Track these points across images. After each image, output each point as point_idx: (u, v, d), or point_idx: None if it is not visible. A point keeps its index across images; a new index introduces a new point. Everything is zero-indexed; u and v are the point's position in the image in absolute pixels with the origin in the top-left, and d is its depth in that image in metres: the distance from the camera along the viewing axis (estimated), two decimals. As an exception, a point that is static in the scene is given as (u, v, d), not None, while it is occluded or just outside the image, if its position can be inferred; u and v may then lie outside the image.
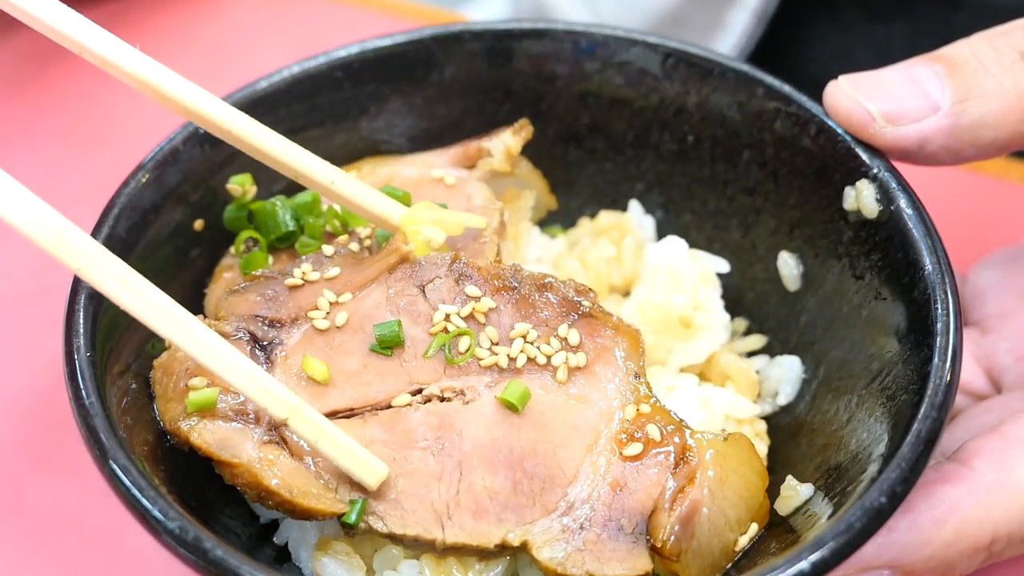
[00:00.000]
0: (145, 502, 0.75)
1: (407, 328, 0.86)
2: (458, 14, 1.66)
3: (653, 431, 0.83)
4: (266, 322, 0.87)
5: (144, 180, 0.91)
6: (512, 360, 0.86)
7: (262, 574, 0.73)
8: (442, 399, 0.85)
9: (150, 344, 0.89)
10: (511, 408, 0.84)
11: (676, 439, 0.83)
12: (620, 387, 0.86)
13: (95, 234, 0.87)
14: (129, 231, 0.89)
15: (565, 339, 0.87)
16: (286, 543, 0.90)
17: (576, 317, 0.87)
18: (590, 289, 0.88)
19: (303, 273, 0.89)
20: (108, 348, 0.84)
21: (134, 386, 0.87)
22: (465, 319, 0.87)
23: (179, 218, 0.94)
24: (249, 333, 0.87)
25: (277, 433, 0.83)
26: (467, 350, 0.86)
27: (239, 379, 0.79)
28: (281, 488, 0.80)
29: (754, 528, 0.84)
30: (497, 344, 0.86)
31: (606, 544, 0.81)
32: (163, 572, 0.96)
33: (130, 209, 0.90)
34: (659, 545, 0.80)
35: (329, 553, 0.85)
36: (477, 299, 0.88)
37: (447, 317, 0.87)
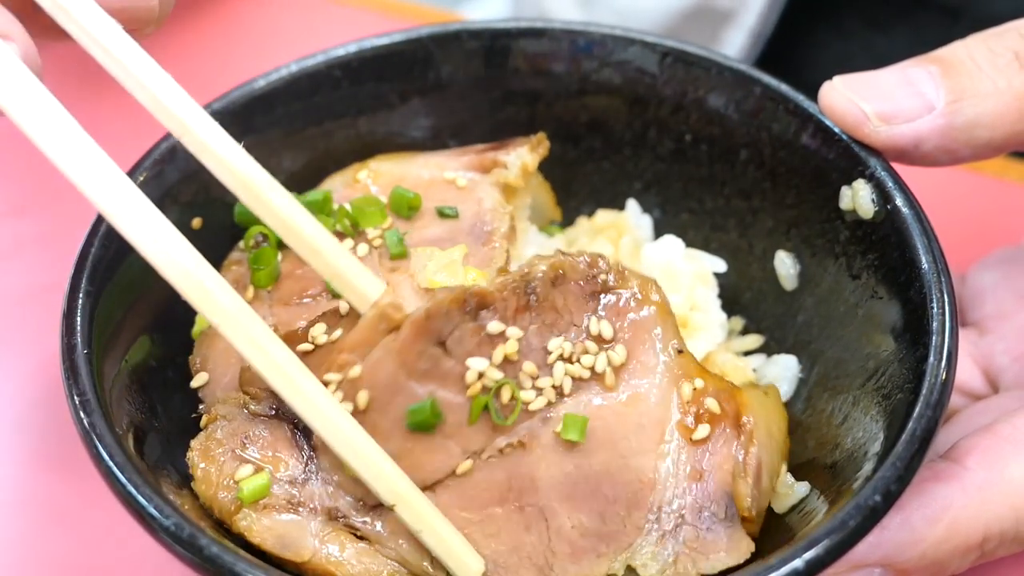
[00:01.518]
0: (141, 499, 0.75)
1: (439, 395, 0.81)
2: (456, 14, 1.66)
3: (713, 405, 0.82)
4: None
5: (142, 179, 0.91)
6: (559, 389, 0.82)
7: (258, 571, 0.73)
8: (502, 453, 0.81)
9: (149, 339, 0.90)
10: (575, 439, 0.81)
11: (730, 405, 0.82)
12: (669, 368, 0.83)
13: (93, 232, 0.87)
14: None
15: (599, 336, 0.83)
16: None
17: (600, 301, 0.84)
18: (600, 256, 0.85)
19: (314, 337, 0.84)
20: (106, 346, 0.85)
21: (132, 384, 0.87)
22: (499, 367, 0.81)
23: (177, 217, 0.93)
24: (288, 418, 0.82)
25: (342, 522, 0.81)
26: (512, 402, 0.81)
27: (352, 458, 0.78)
28: None
29: (784, 468, 0.85)
30: (538, 377, 0.82)
31: (706, 538, 0.80)
32: (161, 571, 0.96)
33: (128, 207, 0.90)
34: (745, 515, 0.80)
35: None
36: (503, 337, 0.81)
37: (480, 376, 0.80)
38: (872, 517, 0.74)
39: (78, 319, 0.83)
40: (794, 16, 1.53)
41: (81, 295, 0.84)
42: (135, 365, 0.88)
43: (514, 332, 0.82)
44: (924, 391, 0.79)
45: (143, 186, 0.91)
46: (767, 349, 1.01)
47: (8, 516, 1.00)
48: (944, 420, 0.81)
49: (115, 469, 0.76)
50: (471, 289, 0.81)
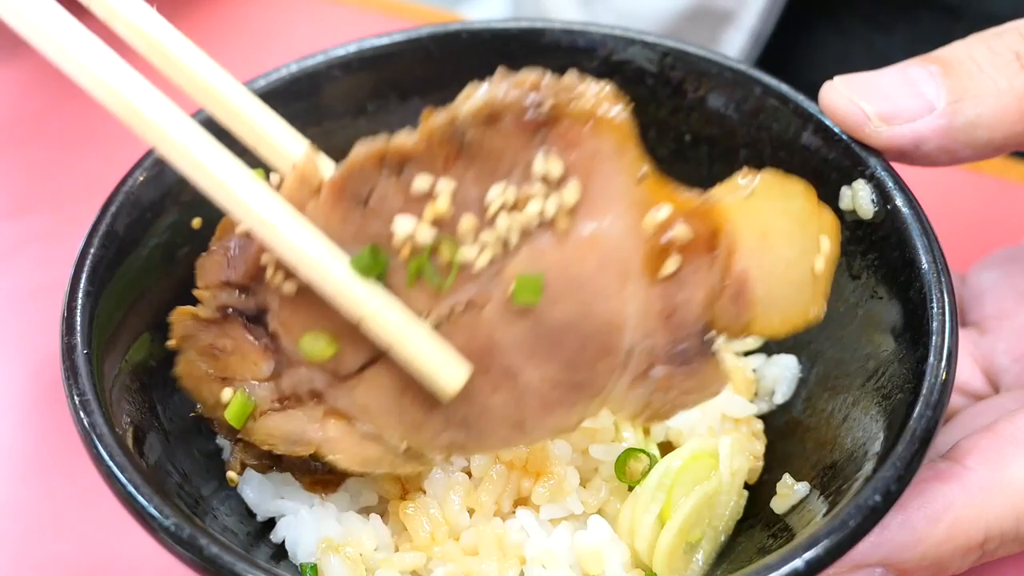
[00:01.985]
0: (141, 499, 0.75)
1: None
2: (456, 13, 1.66)
3: (683, 232, 0.75)
4: (237, 288, 0.79)
5: (143, 178, 0.91)
6: (505, 242, 0.75)
7: (258, 571, 0.73)
8: (451, 316, 0.77)
9: (149, 338, 0.90)
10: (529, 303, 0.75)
11: (704, 225, 0.76)
12: (631, 198, 0.76)
13: (93, 232, 0.87)
14: (127, 228, 0.89)
15: (546, 176, 0.75)
16: (283, 541, 0.90)
17: (544, 133, 0.75)
18: (540, 79, 0.76)
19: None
20: (106, 346, 0.85)
21: (132, 384, 0.87)
22: (433, 224, 0.75)
23: (177, 216, 0.94)
24: (236, 311, 0.80)
25: (328, 404, 0.79)
26: (450, 264, 0.75)
27: (315, 275, 0.74)
28: (347, 465, 0.79)
29: (826, 243, 0.79)
30: (480, 232, 0.75)
31: (680, 375, 0.77)
32: (161, 571, 0.96)
33: (128, 207, 0.90)
34: (722, 334, 0.77)
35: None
36: (432, 195, 0.75)
37: (411, 236, 0.75)
38: (872, 517, 0.74)
39: (78, 319, 0.83)
40: (794, 16, 1.53)
41: (81, 295, 0.84)
42: (135, 365, 0.88)
43: (446, 185, 0.75)
44: (924, 391, 0.78)
45: (143, 186, 0.91)
46: (767, 349, 1.01)
47: (8, 516, 1.00)
48: (944, 420, 0.81)
49: (115, 469, 0.76)
50: (390, 145, 0.75)
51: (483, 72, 1.04)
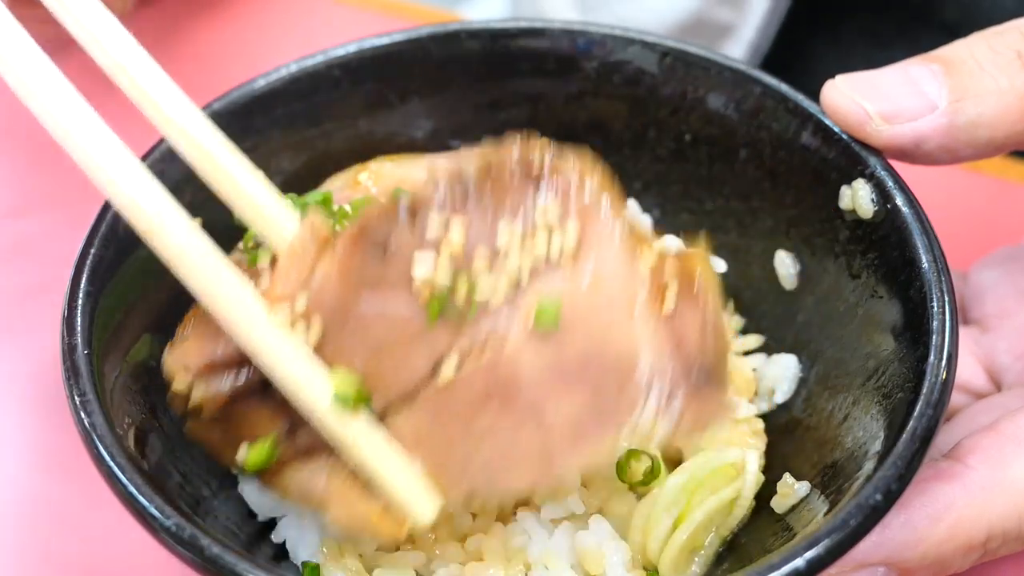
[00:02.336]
0: (142, 499, 0.75)
1: (390, 303, 0.78)
2: (456, 13, 1.66)
3: (671, 271, 0.80)
4: (230, 366, 0.79)
5: (143, 179, 0.91)
6: (517, 277, 0.78)
7: (259, 571, 0.73)
8: (472, 352, 0.77)
9: (150, 339, 0.90)
10: (550, 328, 0.77)
11: (682, 269, 0.81)
12: (622, 244, 0.80)
13: (93, 232, 0.87)
14: (127, 228, 0.89)
15: (546, 216, 0.79)
16: (284, 541, 0.90)
17: (540, 184, 0.81)
18: (533, 146, 0.83)
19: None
20: (106, 346, 0.85)
21: (133, 384, 0.87)
22: (449, 260, 0.77)
23: (177, 216, 0.94)
24: (241, 393, 0.80)
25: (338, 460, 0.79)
26: (468, 297, 0.77)
27: (306, 407, 0.76)
28: (336, 521, 0.79)
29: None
30: (492, 267, 0.78)
31: (702, 395, 0.79)
32: (163, 572, 0.96)
33: (129, 207, 0.90)
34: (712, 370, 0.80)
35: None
36: (447, 228, 0.78)
37: (431, 272, 0.77)
38: (873, 516, 0.74)
39: (78, 319, 0.83)
40: (793, 30, 1.53)
41: (81, 295, 0.84)
42: (136, 365, 0.88)
43: (458, 222, 0.78)
44: (925, 390, 0.79)
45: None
46: (767, 349, 1.01)
47: (9, 517, 1.00)
48: (946, 419, 0.81)
49: (116, 470, 0.76)
50: (402, 192, 0.79)
51: (483, 73, 1.05)
